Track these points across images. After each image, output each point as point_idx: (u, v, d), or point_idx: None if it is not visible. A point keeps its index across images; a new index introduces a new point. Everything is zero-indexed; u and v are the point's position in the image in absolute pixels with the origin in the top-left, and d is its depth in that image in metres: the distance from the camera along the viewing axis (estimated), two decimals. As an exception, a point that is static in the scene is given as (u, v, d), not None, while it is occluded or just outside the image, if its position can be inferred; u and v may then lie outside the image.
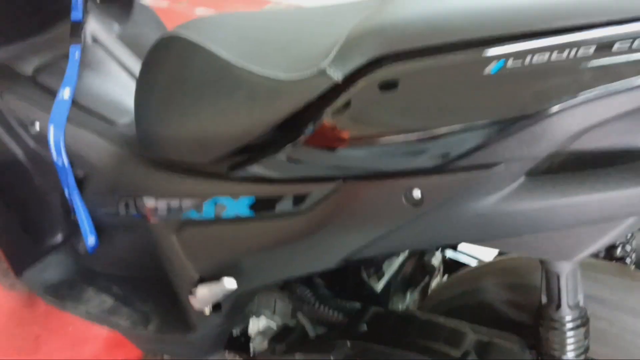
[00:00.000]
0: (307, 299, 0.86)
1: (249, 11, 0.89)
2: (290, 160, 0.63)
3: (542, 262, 0.66)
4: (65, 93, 1.02)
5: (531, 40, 0.49)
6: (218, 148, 0.71)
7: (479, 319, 0.76)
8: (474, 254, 1.00)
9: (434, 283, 0.98)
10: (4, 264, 1.49)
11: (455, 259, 0.98)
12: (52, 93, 1.04)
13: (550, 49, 0.48)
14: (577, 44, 0.47)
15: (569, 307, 0.66)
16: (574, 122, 0.50)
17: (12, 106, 1.04)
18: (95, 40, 1.16)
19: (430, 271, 0.94)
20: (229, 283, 0.77)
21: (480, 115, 0.51)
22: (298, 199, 0.66)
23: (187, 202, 0.79)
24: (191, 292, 0.84)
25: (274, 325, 1.01)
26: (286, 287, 0.90)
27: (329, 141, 0.59)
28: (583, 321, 0.67)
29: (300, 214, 0.66)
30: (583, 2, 0.49)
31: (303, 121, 0.61)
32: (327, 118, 0.58)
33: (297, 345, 0.84)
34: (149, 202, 0.86)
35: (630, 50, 0.46)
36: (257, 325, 1.03)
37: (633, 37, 0.46)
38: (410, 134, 0.54)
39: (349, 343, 0.74)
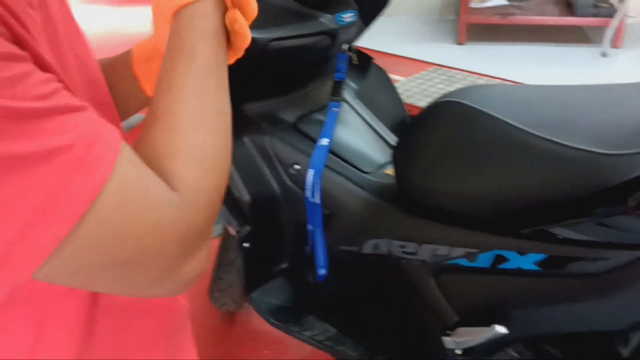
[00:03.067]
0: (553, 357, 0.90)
1: (515, 84, 0.99)
2: (602, 226, 0.70)
3: None
4: (324, 142, 1.18)
5: None
6: (508, 206, 0.80)
7: None
8: None
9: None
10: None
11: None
12: (311, 140, 1.20)
13: None
14: None
15: None
16: None
17: (277, 148, 1.21)
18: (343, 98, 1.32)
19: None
20: (500, 329, 0.83)
21: None
22: (596, 262, 0.72)
23: (458, 251, 0.88)
24: (447, 333, 0.92)
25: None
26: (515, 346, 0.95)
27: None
28: None
29: (594, 275, 0.72)
30: None
31: (620, 191, 0.67)
32: None
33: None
34: (410, 247, 0.96)
35: None
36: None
37: None
38: None
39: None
